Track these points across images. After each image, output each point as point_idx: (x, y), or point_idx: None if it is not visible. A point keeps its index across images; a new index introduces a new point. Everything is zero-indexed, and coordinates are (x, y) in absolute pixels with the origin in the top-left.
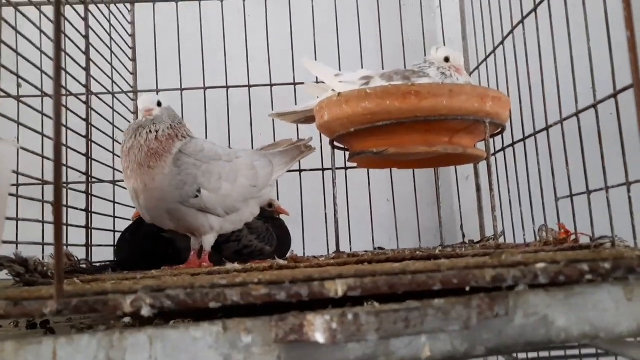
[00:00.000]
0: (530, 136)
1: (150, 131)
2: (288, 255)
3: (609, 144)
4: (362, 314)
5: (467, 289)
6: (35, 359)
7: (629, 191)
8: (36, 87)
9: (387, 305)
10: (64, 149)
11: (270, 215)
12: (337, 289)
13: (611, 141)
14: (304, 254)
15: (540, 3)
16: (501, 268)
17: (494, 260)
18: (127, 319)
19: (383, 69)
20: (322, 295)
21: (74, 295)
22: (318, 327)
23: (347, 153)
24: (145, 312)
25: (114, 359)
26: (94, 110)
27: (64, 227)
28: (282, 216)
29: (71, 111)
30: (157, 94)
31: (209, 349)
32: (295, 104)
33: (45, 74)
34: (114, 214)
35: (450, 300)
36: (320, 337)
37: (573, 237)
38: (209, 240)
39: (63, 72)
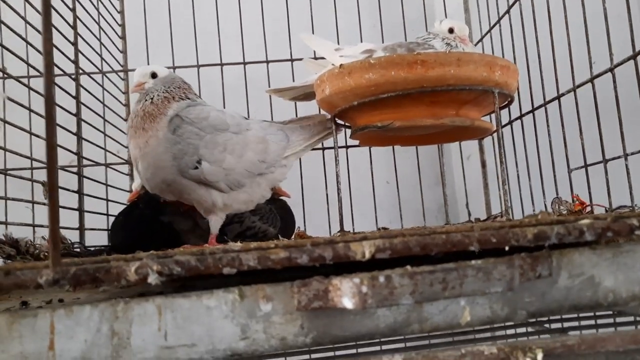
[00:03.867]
0: (540, 106)
1: (146, 99)
2: (295, 232)
3: (624, 110)
4: (395, 276)
5: (506, 248)
6: (31, 333)
7: None
8: (23, 60)
9: (421, 267)
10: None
11: (270, 197)
12: (364, 250)
13: (625, 107)
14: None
15: None
16: (542, 225)
17: (531, 219)
18: None
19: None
20: (347, 257)
21: (72, 264)
22: (345, 292)
23: (349, 131)
24: (152, 279)
25: (118, 331)
26: (84, 89)
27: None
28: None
29: (60, 87)
30: None
31: (225, 318)
32: (293, 81)
33: (33, 47)
34: (107, 196)
35: (490, 260)
36: (348, 303)
37: (589, 208)
38: (215, 222)
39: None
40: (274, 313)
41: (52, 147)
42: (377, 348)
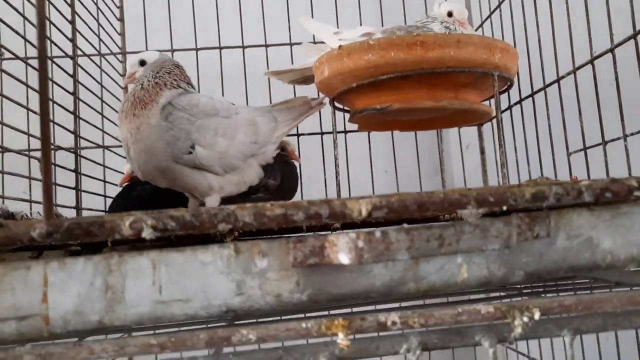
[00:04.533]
0: (539, 90)
1: (137, 86)
2: None
3: (624, 91)
4: (391, 232)
5: (504, 208)
6: (23, 286)
7: None
8: (21, 36)
9: (418, 225)
10: (50, 106)
11: (282, 159)
12: (361, 208)
13: (625, 88)
14: None
15: None
16: (541, 186)
17: (530, 182)
18: None
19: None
20: (343, 215)
21: (66, 219)
22: (342, 247)
23: (348, 116)
24: (147, 234)
25: (112, 285)
26: (82, 69)
27: (52, 187)
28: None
29: (58, 65)
30: None
31: (220, 274)
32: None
33: (30, 22)
34: (104, 178)
35: (487, 219)
36: (344, 258)
37: None
38: (212, 204)
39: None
40: (270, 269)
41: (44, 97)
42: None
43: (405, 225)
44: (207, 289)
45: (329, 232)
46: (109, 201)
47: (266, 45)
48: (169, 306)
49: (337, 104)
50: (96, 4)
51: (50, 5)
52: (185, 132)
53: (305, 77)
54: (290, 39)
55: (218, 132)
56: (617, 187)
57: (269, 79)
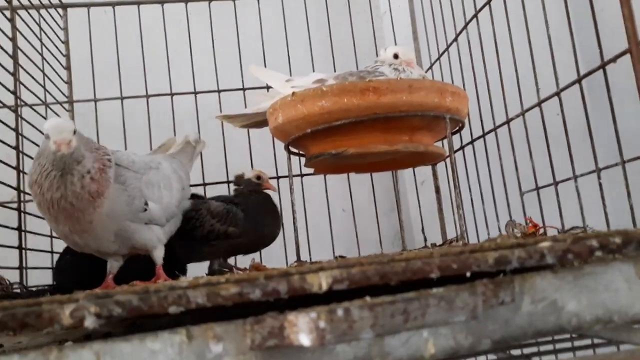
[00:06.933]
0: (490, 131)
1: (83, 175)
2: (250, 264)
3: (571, 133)
4: (353, 309)
5: (468, 274)
6: None
7: (599, 177)
8: None
9: (381, 298)
10: None
11: (255, 189)
12: (321, 282)
13: (572, 130)
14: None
15: None
16: (503, 250)
17: (491, 244)
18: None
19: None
20: (303, 290)
21: None
22: (302, 328)
23: (304, 159)
24: (90, 323)
25: None
26: (25, 120)
27: None
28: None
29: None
30: (95, 103)
31: None
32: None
33: None
34: (52, 233)
35: (452, 288)
36: (305, 339)
37: (542, 230)
38: (158, 254)
39: None
40: (226, 354)
41: None
42: None
43: (369, 299)
44: None
45: (288, 311)
46: (57, 257)
47: (219, 91)
48: None
49: (292, 149)
50: (41, 54)
51: None
52: (138, 190)
53: (257, 122)
54: (243, 84)
55: (161, 185)
56: (579, 248)
57: (222, 123)
